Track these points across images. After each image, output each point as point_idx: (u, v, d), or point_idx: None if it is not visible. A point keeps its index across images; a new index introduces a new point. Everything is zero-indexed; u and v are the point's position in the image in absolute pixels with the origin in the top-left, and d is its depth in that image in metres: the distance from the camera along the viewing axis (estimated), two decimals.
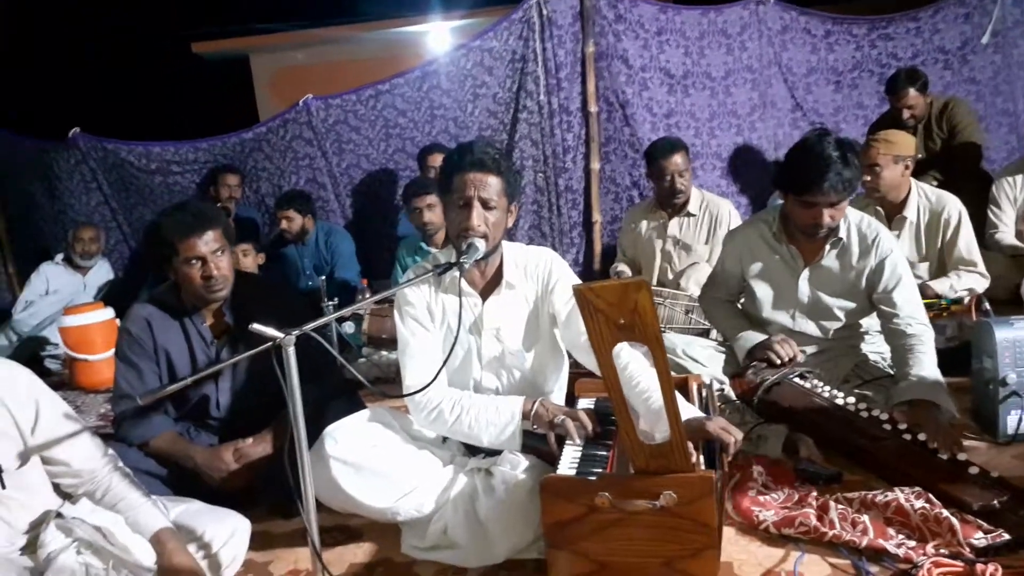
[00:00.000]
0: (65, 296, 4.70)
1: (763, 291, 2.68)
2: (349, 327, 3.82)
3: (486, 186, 2.01)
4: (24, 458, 1.80)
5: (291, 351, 1.69)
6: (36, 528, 1.82)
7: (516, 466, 1.96)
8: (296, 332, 1.72)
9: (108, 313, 4.09)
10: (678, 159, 3.75)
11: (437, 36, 9.55)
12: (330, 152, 5.14)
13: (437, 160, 4.62)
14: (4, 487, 1.76)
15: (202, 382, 2.38)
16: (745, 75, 4.87)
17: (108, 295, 4.77)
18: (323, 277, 3.83)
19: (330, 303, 3.63)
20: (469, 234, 2.00)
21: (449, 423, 2.05)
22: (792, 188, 2.45)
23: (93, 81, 10.46)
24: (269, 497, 2.37)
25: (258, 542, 2.10)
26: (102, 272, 5.05)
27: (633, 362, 1.93)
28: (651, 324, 1.36)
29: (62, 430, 1.86)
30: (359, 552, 2.10)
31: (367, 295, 4.09)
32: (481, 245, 2.00)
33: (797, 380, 2.39)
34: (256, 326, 1.72)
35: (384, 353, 3.79)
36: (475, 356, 2.16)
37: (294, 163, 5.19)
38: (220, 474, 2.28)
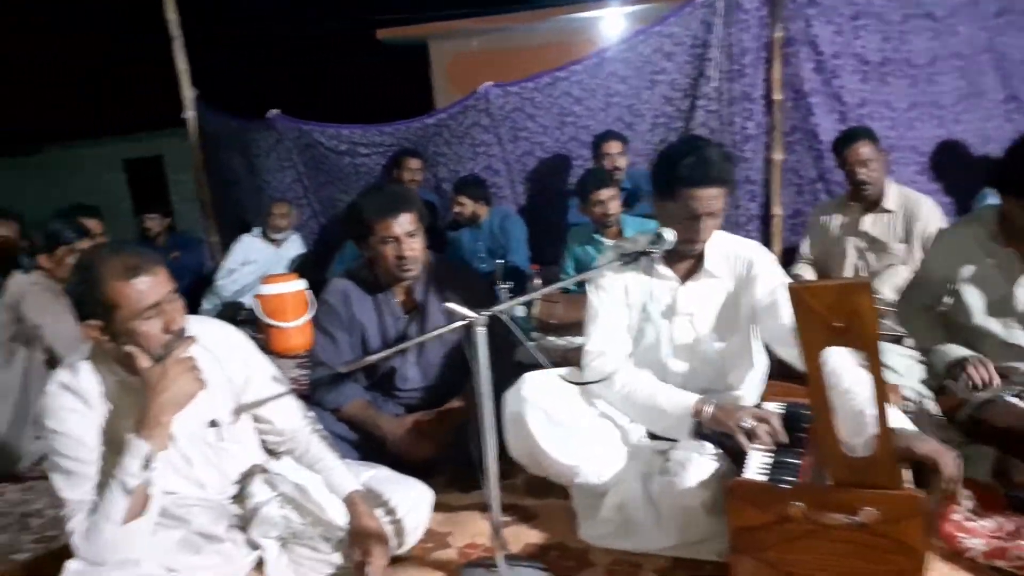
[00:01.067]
0: (261, 266, 5.09)
1: (973, 297, 2.45)
2: (519, 311, 3.88)
3: (716, 200, 2.00)
4: (237, 414, 1.97)
5: (482, 331, 1.74)
6: (245, 479, 1.99)
7: (695, 451, 1.92)
8: (488, 313, 1.77)
9: (301, 284, 4.38)
10: (862, 148, 3.52)
11: (611, 22, 9.47)
12: (505, 139, 5.22)
13: (612, 148, 4.59)
14: (221, 439, 1.93)
15: (391, 355, 2.49)
16: (953, 62, 4.47)
17: (299, 267, 5.11)
18: (500, 261, 3.91)
19: (504, 286, 3.70)
20: (694, 245, 2.02)
21: (619, 394, 2.07)
22: (1014, 189, 2.22)
23: (290, 64, 11.25)
24: (448, 469, 2.47)
25: (437, 513, 2.16)
26: (295, 245, 5.42)
27: (835, 357, 1.83)
28: (870, 329, 1.28)
29: (269, 391, 2.02)
30: (532, 534, 2.13)
31: (537, 280, 4.14)
32: (671, 236, 1.98)
33: (1013, 399, 2.17)
34: (451, 305, 1.78)
35: (551, 338, 3.82)
36: (666, 340, 2.15)
37: (471, 149, 5.31)
38: (404, 443, 2.39)
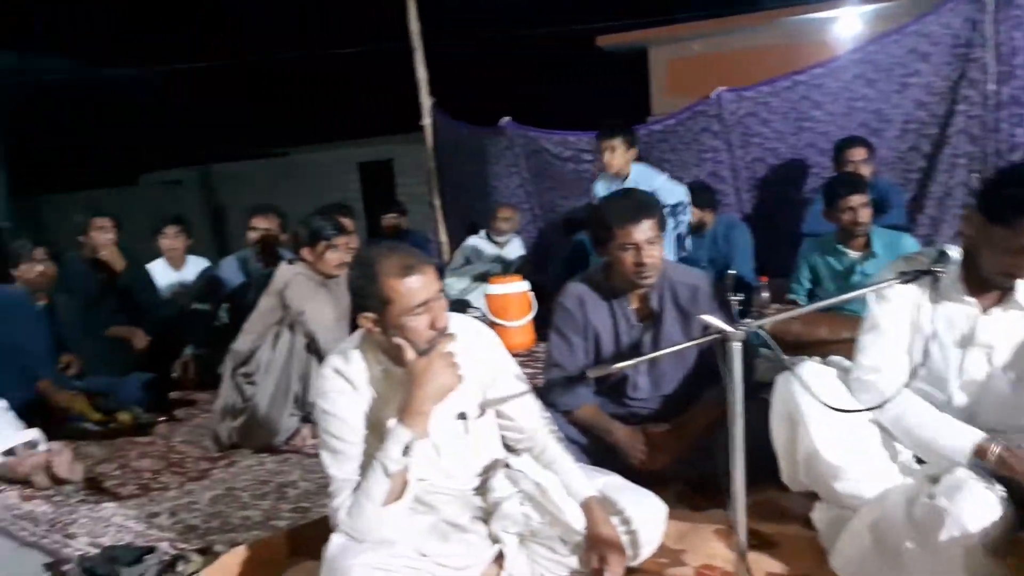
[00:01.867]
0: (486, 267, 5.30)
1: None
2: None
3: None
4: (483, 408, 2.03)
5: (738, 346, 1.67)
6: (487, 473, 2.05)
7: (973, 479, 1.72)
8: (746, 328, 1.69)
9: (524, 285, 4.50)
10: None
11: (845, 23, 8.90)
12: (735, 145, 5.04)
13: (856, 154, 4.28)
14: (467, 431, 2.01)
15: (634, 364, 2.46)
16: None
17: (519, 269, 5.26)
18: (732, 272, 3.78)
19: (735, 298, 3.57)
20: (1011, 279, 1.84)
21: (888, 412, 1.91)
22: None
23: (515, 72, 11.68)
24: (679, 484, 2.42)
25: (668, 528, 2.11)
26: (516, 248, 5.59)
27: None
28: None
29: (513, 389, 2.06)
30: (774, 564, 2.01)
31: (766, 293, 3.95)
32: (956, 255, 1.79)
33: None
34: (706, 318, 1.73)
35: (784, 357, 3.62)
36: (954, 371, 1.96)
37: (697, 155, 5.19)
38: (636, 454, 2.37)
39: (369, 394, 1.89)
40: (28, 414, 3.34)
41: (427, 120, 6.01)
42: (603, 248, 2.49)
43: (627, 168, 4.24)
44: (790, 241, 4.58)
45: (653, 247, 2.41)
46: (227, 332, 4.25)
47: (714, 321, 1.70)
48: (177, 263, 5.10)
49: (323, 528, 2.15)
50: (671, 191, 4.19)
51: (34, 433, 3.13)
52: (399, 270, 1.76)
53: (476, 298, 4.97)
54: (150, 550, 2.23)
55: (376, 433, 1.86)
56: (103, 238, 4.49)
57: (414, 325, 1.78)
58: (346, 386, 1.87)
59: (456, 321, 1.95)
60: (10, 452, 3.04)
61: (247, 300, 4.13)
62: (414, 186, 11.68)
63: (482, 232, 5.56)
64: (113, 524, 2.63)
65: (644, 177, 4.18)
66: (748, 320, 1.72)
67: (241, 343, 3.36)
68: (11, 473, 3.03)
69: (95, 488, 3.00)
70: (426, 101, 5.96)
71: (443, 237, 6.19)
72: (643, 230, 2.39)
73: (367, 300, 1.80)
